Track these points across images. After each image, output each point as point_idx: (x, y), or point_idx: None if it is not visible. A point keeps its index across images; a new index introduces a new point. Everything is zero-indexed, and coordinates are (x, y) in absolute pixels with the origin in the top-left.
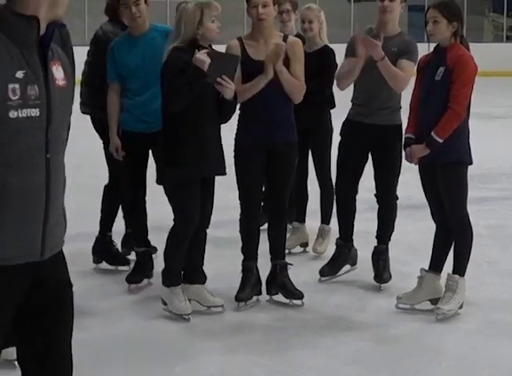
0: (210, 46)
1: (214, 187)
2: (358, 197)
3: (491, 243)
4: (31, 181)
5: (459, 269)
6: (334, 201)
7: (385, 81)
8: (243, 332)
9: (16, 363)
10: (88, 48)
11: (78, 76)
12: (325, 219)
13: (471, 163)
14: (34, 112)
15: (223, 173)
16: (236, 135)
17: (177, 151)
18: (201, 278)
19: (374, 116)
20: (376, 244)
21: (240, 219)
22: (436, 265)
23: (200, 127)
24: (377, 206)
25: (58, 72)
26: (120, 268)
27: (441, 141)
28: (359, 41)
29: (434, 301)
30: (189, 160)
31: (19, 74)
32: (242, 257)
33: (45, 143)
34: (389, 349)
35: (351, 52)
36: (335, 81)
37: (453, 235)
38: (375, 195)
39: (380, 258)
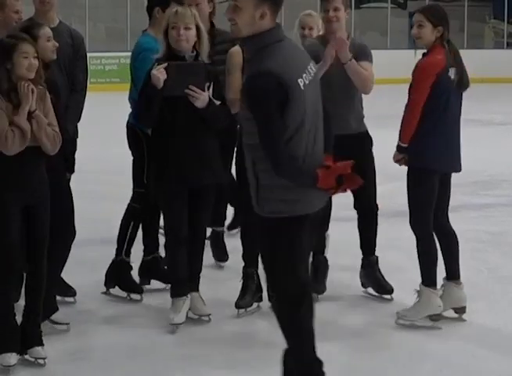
0: (197, 56)
1: (209, 197)
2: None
3: (491, 249)
4: None
5: (423, 277)
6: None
7: (348, 90)
8: (243, 339)
9: (10, 369)
10: (89, 54)
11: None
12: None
13: (445, 172)
14: None
15: (211, 181)
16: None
17: (158, 165)
18: (197, 286)
19: (342, 125)
20: (364, 256)
21: (241, 226)
22: (451, 273)
23: (178, 139)
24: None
25: None
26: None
27: (404, 145)
28: (335, 43)
29: (458, 310)
30: (168, 174)
31: None
32: (243, 263)
33: None
34: (390, 357)
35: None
36: None
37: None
38: (355, 207)
39: (374, 269)
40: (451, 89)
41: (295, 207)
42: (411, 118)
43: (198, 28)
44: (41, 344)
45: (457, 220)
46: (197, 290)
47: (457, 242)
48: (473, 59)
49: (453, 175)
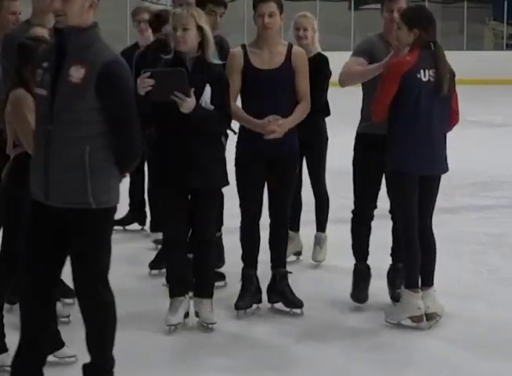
0: (203, 56)
1: (208, 199)
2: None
3: (491, 251)
4: None
5: (404, 278)
6: (347, 217)
7: None
8: (242, 341)
9: (6, 368)
10: None
11: None
12: (320, 227)
13: (420, 174)
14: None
15: (200, 186)
16: (237, 143)
17: (152, 166)
18: (207, 292)
19: None
20: (394, 263)
21: (241, 227)
22: (426, 278)
23: (170, 142)
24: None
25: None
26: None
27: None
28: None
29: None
30: (157, 176)
31: None
32: (242, 265)
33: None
34: (391, 358)
35: (366, 55)
36: (339, 77)
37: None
38: (390, 212)
39: (397, 277)
40: (423, 90)
41: (116, 196)
42: (372, 118)
43: (201, 28)
44: (63, 343)
45: (457, 222)
46: (208, 296)
47: (435, 249)
48: (472, 61)
49: (453, 176)
